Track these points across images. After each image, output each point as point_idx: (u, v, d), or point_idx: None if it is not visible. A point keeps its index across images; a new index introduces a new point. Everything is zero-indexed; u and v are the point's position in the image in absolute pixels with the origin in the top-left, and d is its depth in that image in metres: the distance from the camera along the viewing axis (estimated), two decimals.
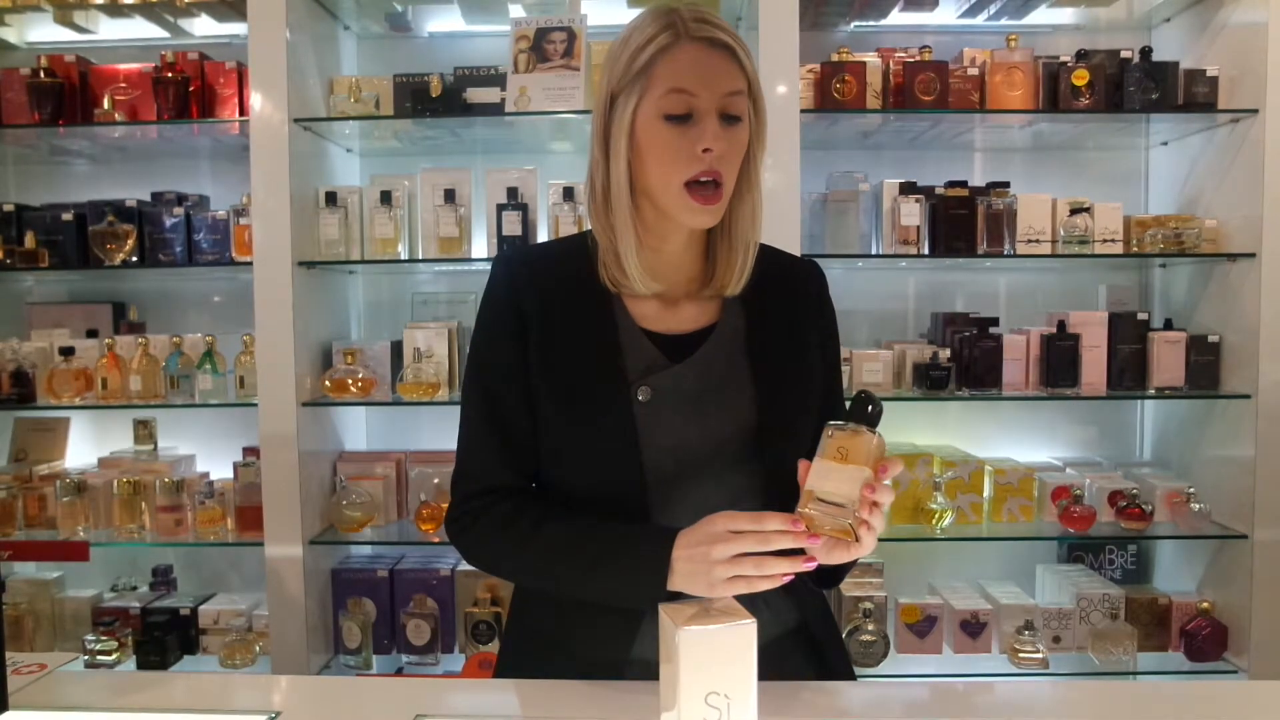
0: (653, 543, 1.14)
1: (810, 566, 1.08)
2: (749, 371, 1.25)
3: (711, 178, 1.16)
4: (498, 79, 2.45)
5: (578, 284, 1.26)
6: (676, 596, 1.12)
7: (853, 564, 1.17)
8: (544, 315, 1.25)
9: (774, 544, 1.07)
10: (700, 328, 1.27)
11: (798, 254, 2.24)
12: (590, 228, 1.27)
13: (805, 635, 1.30)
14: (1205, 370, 2.48)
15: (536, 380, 1.24)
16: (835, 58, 2.43)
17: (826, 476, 1.05)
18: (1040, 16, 2.67)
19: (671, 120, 1.15)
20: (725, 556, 1.07)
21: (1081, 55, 2.43)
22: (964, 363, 2.49)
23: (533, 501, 1.27)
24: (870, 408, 1.06)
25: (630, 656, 1.23)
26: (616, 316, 1.25)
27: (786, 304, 1.31)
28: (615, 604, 1.19)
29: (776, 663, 1.12)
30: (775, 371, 1.26)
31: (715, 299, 1.29)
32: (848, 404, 1.09)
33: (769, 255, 1.34)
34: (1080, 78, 2.40)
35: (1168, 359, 2.49)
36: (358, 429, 2.81)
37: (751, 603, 1.07)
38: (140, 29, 2.69)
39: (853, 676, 1.36)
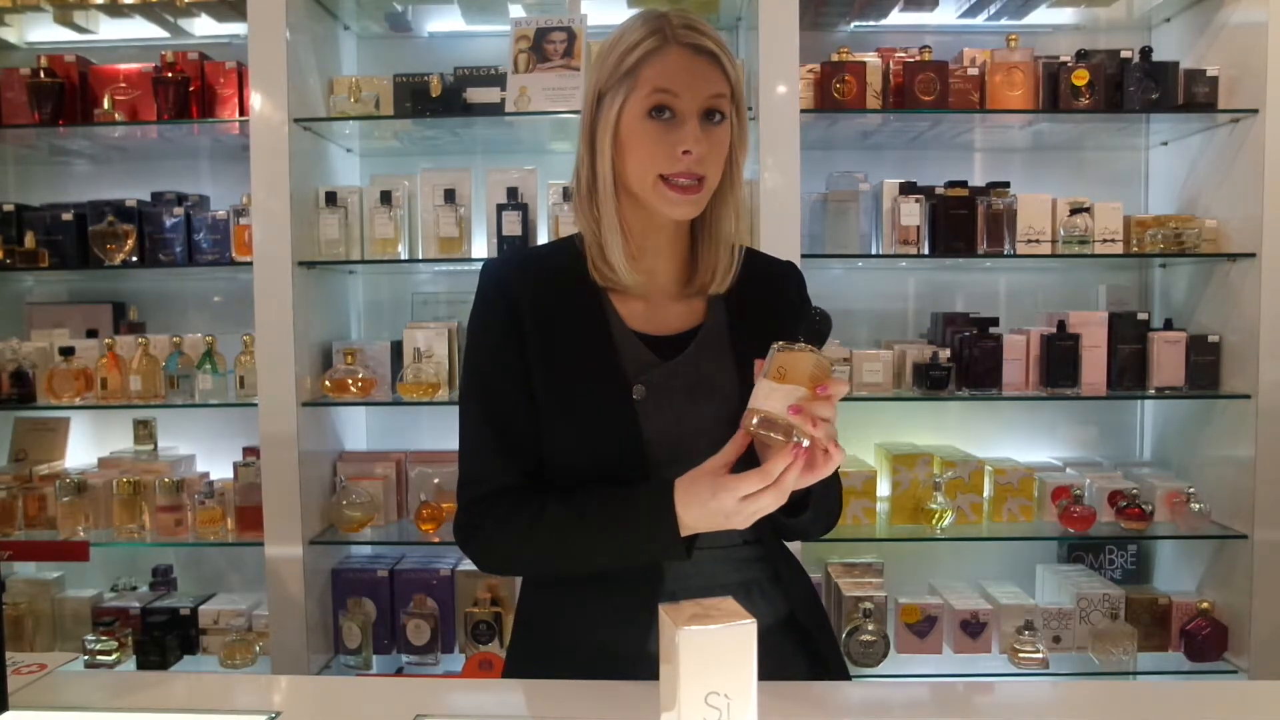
0: (653, 499, 1.17)
1: (805, 444, 1.09)
2: (734, 365, 1.29)
3: (690, 179, 1.20)
4: (498, 79, 2.45)
5: (567, 285, 1.29)
6: (694, 541, 1.17)
7: (835, 506, 1.30)
8: (537, 315, 1.27)
9: (786, 485, 1.10)
10: (686, 329, 1.31)
11: (798, 254, 2.26)
12: (577, 226, 1.30)
13: (794, 625, 1.31)
14: (1205, 370, 2.48)
15: (535, 379, 1.25)
16: (835, 58, 2.43)
17: (766, 395, 1.09)
18: (1040, 16, 2.67)
19: (654, 118, 1.20)
20: (746, 518, 1.12)
21: (1081, 55, 2.43)
22: (964, 363, 2.49)
23: (533, 492, 1.26)
24: (818, 321, 1.09)
25: (646, 649, 1.21)
26: (608, 316, 1.28)
27: (767, 303, 1.34)
28: (635, 563, 1.21)
29: (768, 654, 1.13)
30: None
31: (700, 299, 1.32)
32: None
33: (751, 257, 1.38)
34: (1080, 78, 2.40)
35: (1168, 359, 2.49)
36: (358, 429, 2.81)
37: (745, 595, 1.07)
38: (140, 29, 2.69)
39: (844, 665, 1.37)
